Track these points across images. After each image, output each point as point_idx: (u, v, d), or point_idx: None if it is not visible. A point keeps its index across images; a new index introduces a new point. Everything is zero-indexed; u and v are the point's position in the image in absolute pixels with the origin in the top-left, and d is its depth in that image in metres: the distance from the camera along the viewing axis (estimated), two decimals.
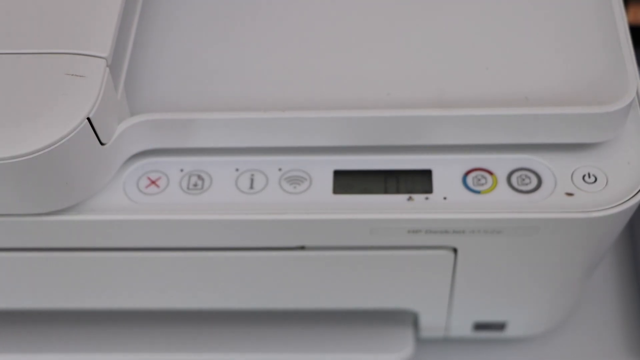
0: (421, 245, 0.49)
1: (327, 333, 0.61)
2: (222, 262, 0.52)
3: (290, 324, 0.62)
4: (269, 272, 0.53)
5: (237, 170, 0.49)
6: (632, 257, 0.70)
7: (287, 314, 0.62)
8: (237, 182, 0.48)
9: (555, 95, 0.46)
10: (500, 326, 0.61)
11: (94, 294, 0.57)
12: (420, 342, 0.64)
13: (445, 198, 0.47)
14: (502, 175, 0.48)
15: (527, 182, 0.47)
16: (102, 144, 0.45)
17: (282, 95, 0.47)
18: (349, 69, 0.48)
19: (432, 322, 0.60)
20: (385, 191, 0.48)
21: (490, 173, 0.48)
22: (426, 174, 0.48)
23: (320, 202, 0.47)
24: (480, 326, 0.61)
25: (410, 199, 0.47)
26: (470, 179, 0.48)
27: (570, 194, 0.47)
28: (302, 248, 0.50)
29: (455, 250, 0.50)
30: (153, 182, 0.48)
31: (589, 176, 0.47)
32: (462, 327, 0.61)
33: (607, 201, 0.46)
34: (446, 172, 0.48)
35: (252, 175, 0.48)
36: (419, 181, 0.48)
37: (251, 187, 0.48)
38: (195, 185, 0.48)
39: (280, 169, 0.48)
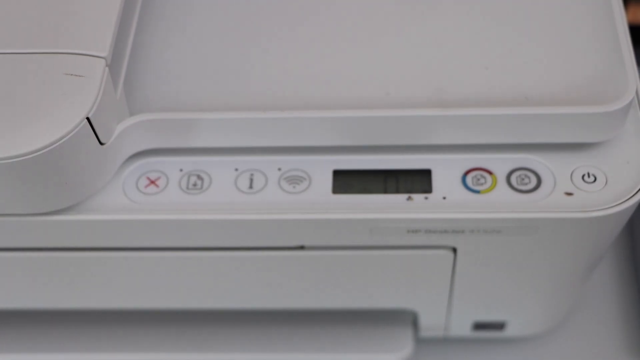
0: (421, 245, 0.49)
1: (327, 333, 0.61)
2: (222, 262, 0.52)
3: (290, 324, 0.62)
4: (268, 272, 0.53)
5: (236, 170, 0.49)
6: (632, 257, 0.70)
7: (286, 314, 0.62)
8: (237, 182, 0.48)
9: (555, 95, 0.46)
10: (499, 326, 0.61)
11: (93, 294, 0.57)
12: (420, 341, 0.64)
13: (444, 198, 0.47)
14: (501, 175, 0.48)
15: (527, 182, 0.47)
16: (101, 143, 0.45)
17: (281, 95, 0.47)
18: (349, 68, 0.48)
19: (431, 322, 0.60)
20: (385, 191, 0.48)
21: (490, 173, 0.48)
22: (426, 174, 0.48)
23: (319, 201, 0.47)
24: (479, 326, 0.61)
25: (409, 198, 0.47)
26: (469, 179, 0.48)
27: (569, 194, 0.47)
28: (301, 248, 0.50)
29: (454, 250, 0.50)
30: (152, 182, 0.48)
31: (589, 176, 0.47)
32: (461, 327, 0.61)
33: (606, 201, 0.46)
34: (446, 172, 0.48)
35: (252, 175, 0.48)
36: (418, 181, 0.48)
37: (250, 186, 0.48)
38: (195, 185, 0.48)
39: (279, 169, 0.48)
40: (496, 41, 0.49)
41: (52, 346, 0.62)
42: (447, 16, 0.50)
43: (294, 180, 0.48)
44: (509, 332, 0.62)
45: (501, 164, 0.48)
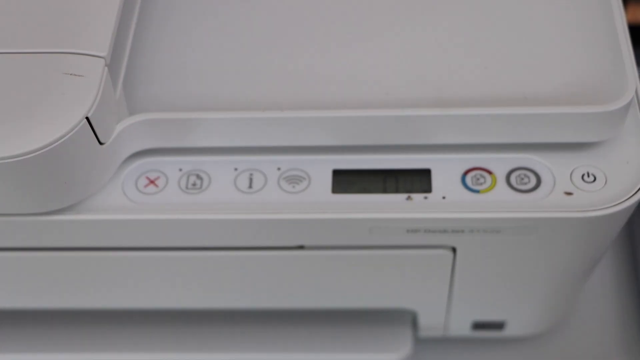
0: (420, 244, 0.49)
1: (326, 333, 0.61)
2: (221, 261, 0.52)
3: (289, 324, 0.62)
4: (268, 272, 0.53)
5: (235, 169, 0.49)
6: (631, 257, 0.70)
7: (286, 314, 0.62)
8: (236, 182, 0.48)
9: (554, 95, 0.46)
10: (499, 325, 0.61)
11: (93, 293, 0.57)
12: (419, 341, 0.64)
13: (444, 197, 0.47)
14: (501, 175, 0.48)
15: (526, 182, 0.47)
16: (100, 143, 0.45)
17: (280, 94, 0.47)
18: (348, 68, 0.48)
19: (431, 322, 0.60)
20: (384, 190, 0.48)
21: (489, 172, 0.48)
22: (425, 174, 0.48)
23: (319, 201, 0.47)
24: (479, 325, 0.61)
25: (409, 198, 0.47)
26: (469, 179, 0.48)
27: (569, 193, 0.47)
28: (301, 247, 0.50)
29: (454, 250, 0.50)
30: (152, 182, 0.48)
31: (588, 175, 0.47)
32: (461, 327, 0.61)
33: (606, 200, 0.46)
34: (445, 172, 0.48)
35: (251, 174, 0.48)
36: (418, 180, 0.48)
37: (250, 186, 0.48)
38: (194, 184, 0.48)
39: (279, 169, 0.48)
40: (496, 41, 0.49)
41: (52, 346, 0.62)
42: (446, 16, 0.50)
43: (294, 179, 0.48)
44: (508, 331, 0.62)
45: (501, 163, 0.48)
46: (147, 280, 0.55)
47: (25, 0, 0.47)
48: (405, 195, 0.47)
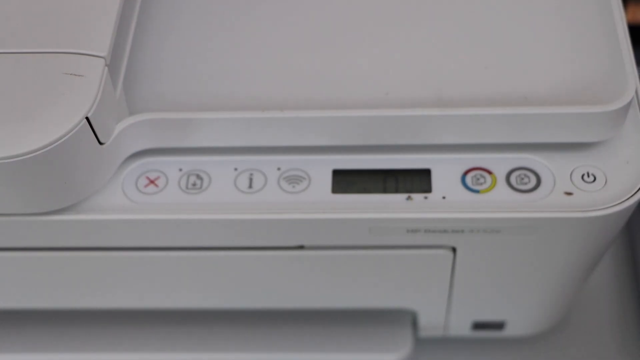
0: (420, 244, 0.49)
1: (326, 333, 0.61)
2: (221, 261, 0.52)
3: (289, 324, 0.62)
4: (268, 272, 0.53)
5: (236, 169, 0.49)
6: (631, 257, 0.70)
7: (286, 314, 0.62)
8: (236, 182, 0.48)
9: (554, 95, 0.46)
10: (499, 325, 0.61)
11: (93, 293, 0.57)
12: (419, 341, 0.64)
13: (444, 197, 0.47)
14: (501, 175, 0.48)
15: (526, 182, 0.47)
16: (100, 143, 0.45)
17: (280, 94, 0.47)
18: (348, 68, 0.48)
19: (431, 322, 0.60)
20: (384, 190, 0.48)
21: (489, 172, 0.48)
22: (425, 174, 0.48)
23: (319, 201, 0.47)
24: (479, 325, 0.61)
25: (409, 198, 0.47)
26: (469, 179, 0.48)
27: (569, 194, 0.47)
28: (301, 247, 0.50)
29: (454, 250, 0.50)
30: (152, 182, 0.48)
31: (588, 175, 0.47)
32: (461, 327, 0.61)
33: (605, 200, 0.46)
34: (445, 172, 0.48)
35: (251, 174, 0.48)
36: (417, 180, 0.48)
37: (250, 186, 0.48)
38: (194, 184, 0.48)
39: (279, 169, 0.48)
40: (495, 41, 0.49)
41: (52, 346, 0.62)
42: (446, 16, 0.50)
43: (294, 180, 0.48)
44: (508, 331, 0.62)
45: (501, 163, 0.48)
46: (147, 280, 0.55)
47: (25, 0, 0.47)
48: (405, 195, 0.47)
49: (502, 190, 0.47)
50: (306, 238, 0.49)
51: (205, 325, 0.62)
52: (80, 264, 0.52)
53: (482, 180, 0.48)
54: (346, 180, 0.48)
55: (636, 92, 0.49)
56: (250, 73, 0.48)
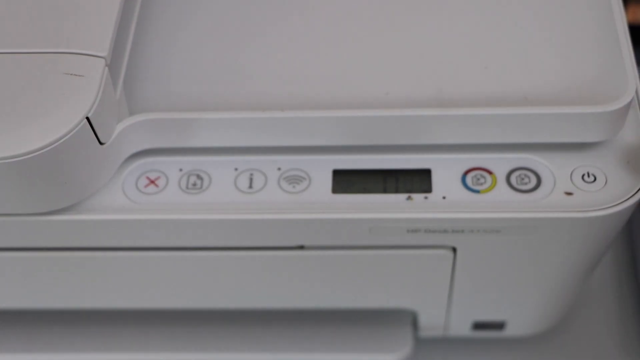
0: (420, 244, 0.49)
1: (327, 333, 0.61)
2: (222, 261, 0.52)
3: (289, 324, 0.62)
4: (268, 272, 0.53)
5: (236, 169, 0.49)
6: (631, 257, 0.70)
7: (286, 314, 0.62)
8: (236, 182, 0.48)
9: (555, 95, 0.46)
10: (499, 325, 0.61)
11: (93, 293, 0.57)
12: (419, 341, 0.64)
13: (444, 197, 0.47)
14: (501, 175, 0.48)
15: (527, 182, 0.47)
16: (101, 143, 0.45)
17: (281, 94, 0.47)
18: (348, 68, 0.48)
19: (431, 322, 0.60)
20: (385, 190, 0.48)
21: (490, 172, 0.48)
22: (425, 174, 0.48)
23: (319, 201, 0.47)
24: (479, 325, 0.61)
25: (409, 198, 0.47)
26: (469, 179, 0.48)
27: (569, 194, 0.47)
28: (301, 247, 0.50)
29: (454, 250, 0.50)
30: (152, 182, 0.48)
31: (588, 175, 0.47)
32: (461, 327, 0.61)
33: (606, 201, 0.46)
34: (445, 172, 0.48)
35: (251, 174, 0.48)
36: (418, 180, 0.48)
37: (250, 186, 0.48)
38: (195, 184, 0.48)
39: (279, 169, 0.48)
40: (496, 41, 0.49)
41: (52, 346, 0.62)
42: (446, 16, 0.50)
43: (294, 180, 0.48)
44: (508, 331, 0.62)
45: (501, 163, 0.48)
46: (147, 280, 0.55)
47: (25, 0, 0.47)
48: (405, 195, 0.47)
49: (502, 190, 0.47)
50: (306, 238, 0.49)
51: (205, 325, 0.62)
52: (80, 264, 0.52)
53: (482, 180, 0.48)
54: (346, 180, 0.48)
55: (636, 92, 0.49)
56: (250, 73, 0.48)
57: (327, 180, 0.48)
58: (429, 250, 0.50)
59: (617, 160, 0.47)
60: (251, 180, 0.48)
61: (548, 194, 0.47)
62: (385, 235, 0.48)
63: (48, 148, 0.42)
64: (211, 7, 0.52)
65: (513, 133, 0.46)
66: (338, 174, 0.48)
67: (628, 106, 0.46)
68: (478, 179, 0.48)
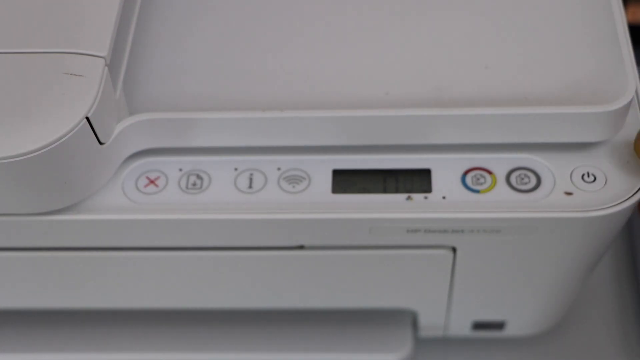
0: (420, 244, 0.49)
1: (326, 333, 0.61)
2: (221, 261, 0.52)
3: (289, 324, 0.62)
4: (268, 272, 0.53)
5: (236, 169, 0.49)
6: (631, 257, 0.70)
7: (286, 314, 0.62)
8: (236, 182, 0.48)
9: (555, 95, 0.46)
10: (499, 325, 0.61)
11: (93, 293, 0.57)
12: (419, 341, 0.64)
13: (444, 197, 0.47)
14: (501, 175, 0.48)
15: (526, 182, 0.47)
16: (100, 143, 0.45)
17: (280, 94, 0.47)
18: (348, 68, 0.48)
19: (431, 322, 0.60)
20: (384, 190, 0.48)
21: (490, 172, 0.48)
22: (425, 174, 0.48)
23: (319, 201, 0.47)
24: (479, 325, 0.61)
25: (409, 198, 0.47)
26: (469, 178, 0.48)
27: (569, 193, 0.47)
28: (301, 247, 0.50)
29: (454, 250, 0.50)
30: (152, 182, 0.48)
31: (588, 175, 0.47)
32: (461, 327, 0.61)
33: (606, 200, 0.46)
34: (445, 172, 0.48)
35: (251, 174, 0.48)
36: (418, 180, 0.48)
37: (250, 186, 0.48)
38: (194, 184, 0.48)
39: (279, 169, 0.48)
40: (496, 41, 0.49)
41: (52, 346, 0.62)
42: (446, 16, 0.50)
43: (294, 179, 0.48)
44: (508, 331, 0.62)
45: (501, 163, 0.48)
46: (147, 280, 0.55)
47: (25, 0, 0.47)
48: (405, 195, 0.47)
49: (502, 190, 0.47)
50: (306, 238, 0.49)
51: (205, 325, 0.62)
52: (80, 264, 0.52)
53: (482, 180, 0.48)
54: (346, 180, 0.48)
55: (636, 92, 0.49)
56: (250, 73, 0.48)
57: (327, 180, 0.48)
58: (428, 250, 0.50)
59: (617, 160, 0.47)
60: (251, 180, 0.48)
61: (548, 194, 0.47)
62: (385, 235, 0.48)
63: (48, 148, 0.42)
64: (211, 7, 0.52)
65: (513, 133, 0.46)
66: (338, 174, 0.48)
67: (628, 106, 0.46)
68: (478, 179, 0.48)
